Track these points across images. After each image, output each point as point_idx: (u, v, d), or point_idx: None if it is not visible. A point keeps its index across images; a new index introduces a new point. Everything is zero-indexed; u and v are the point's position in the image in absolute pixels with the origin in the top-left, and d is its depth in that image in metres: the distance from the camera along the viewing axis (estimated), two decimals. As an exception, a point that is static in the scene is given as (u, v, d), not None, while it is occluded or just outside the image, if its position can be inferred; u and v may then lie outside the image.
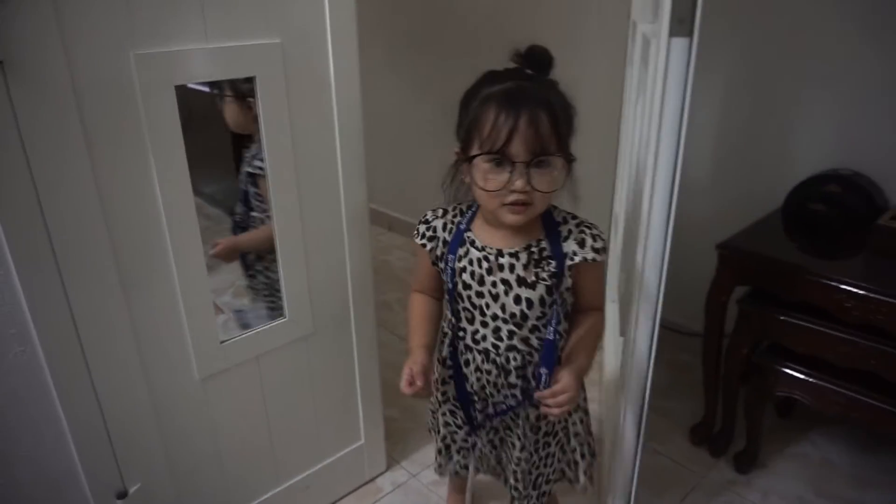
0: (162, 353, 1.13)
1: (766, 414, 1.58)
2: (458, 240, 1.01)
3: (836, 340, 1.37)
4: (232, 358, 1.22)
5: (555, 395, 0.94)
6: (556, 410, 0.94)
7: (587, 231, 0.97)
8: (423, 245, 1.03)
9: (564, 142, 0.89)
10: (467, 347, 1.04)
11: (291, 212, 1.22)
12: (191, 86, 1.07)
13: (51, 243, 0.94)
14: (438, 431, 1.22)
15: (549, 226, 0.98)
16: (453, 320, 1.05)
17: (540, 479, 1.15)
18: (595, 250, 0.96)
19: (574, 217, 1.00)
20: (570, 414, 1.14)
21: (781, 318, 1.44)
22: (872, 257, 1.43)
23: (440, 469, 1.26)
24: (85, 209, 0.96)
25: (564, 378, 0.95)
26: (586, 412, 1.19)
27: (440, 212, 1.05)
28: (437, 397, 1.17)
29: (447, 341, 1.09)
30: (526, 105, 0.85)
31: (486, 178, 0.89)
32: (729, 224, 1.60)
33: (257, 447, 1.35)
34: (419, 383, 0.96)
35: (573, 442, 1.16)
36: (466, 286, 0.99)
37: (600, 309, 1.06)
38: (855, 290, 1.31)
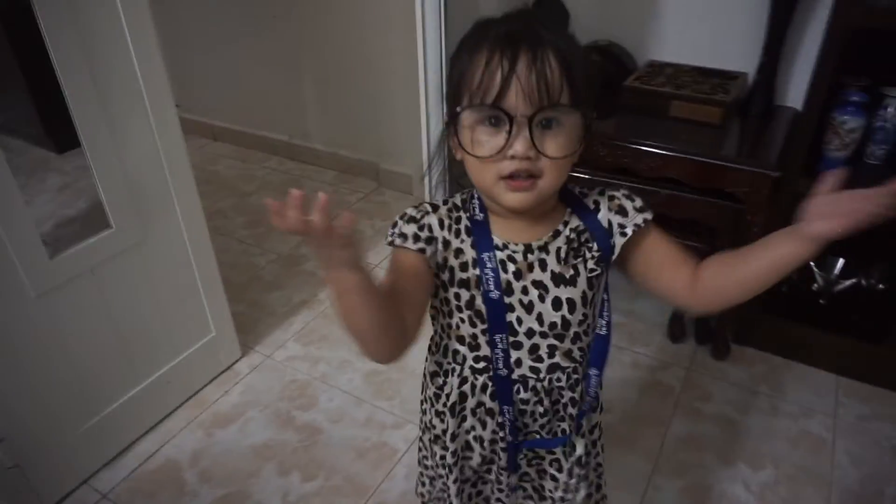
0: (-11, 275, 1.17)
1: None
2: (486, 236, 0.74)
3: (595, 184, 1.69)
4: (64, 272, 1.29)
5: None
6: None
7: (617, 196, 0.76)
8: (422, 251, 0.72)
9: (580, 93, 0.66)
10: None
11: (97, 124, 1.26)
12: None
13: None
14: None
15: (571, 200, 0.76)
16: (464, 351, 0.79)
17: None
18: (639, 209, 0.75)
19: (590, 189, 0.78)
20: (596, 449, 0.90)
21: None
22: (621, 113, 1.74)
23: None
24: None
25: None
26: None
27: (428, 207, 0.75)
28: (436, 463, 0.88)
29: (455, 381, 0.81)
30: (528, 42, 0.63)
31: (476, 142, 0.67)
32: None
33: (109, 353, 1.45)
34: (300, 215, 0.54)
35: (603, 488, 0.95)
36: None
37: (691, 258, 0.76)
38: (605, 139, 1.62)
